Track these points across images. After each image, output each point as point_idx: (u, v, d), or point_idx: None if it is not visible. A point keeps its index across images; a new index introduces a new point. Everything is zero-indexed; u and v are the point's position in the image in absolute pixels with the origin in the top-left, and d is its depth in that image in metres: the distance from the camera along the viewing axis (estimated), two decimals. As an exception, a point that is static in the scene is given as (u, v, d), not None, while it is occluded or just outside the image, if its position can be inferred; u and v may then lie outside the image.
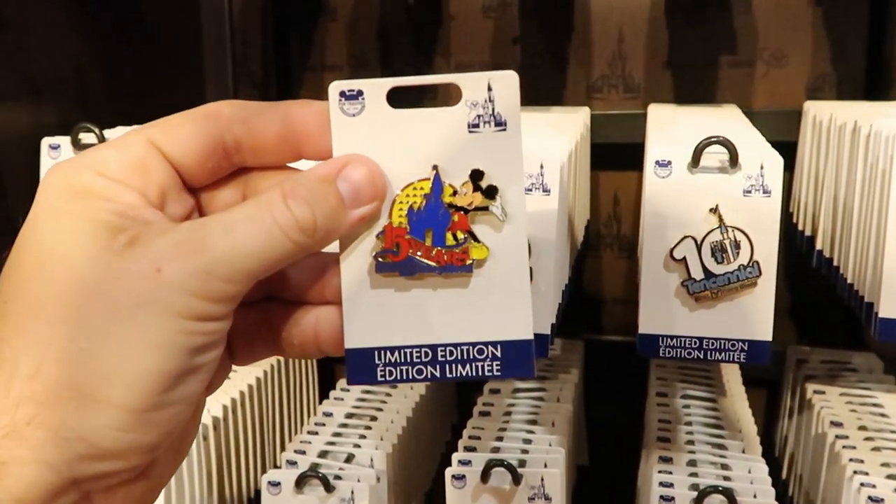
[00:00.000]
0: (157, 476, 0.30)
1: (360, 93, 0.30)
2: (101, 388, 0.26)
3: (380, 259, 0.31)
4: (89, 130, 0.62)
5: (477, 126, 0.30)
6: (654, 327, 0.55)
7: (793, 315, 0.95)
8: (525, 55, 0.96)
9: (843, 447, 0.64)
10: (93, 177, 0.28)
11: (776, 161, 0.53)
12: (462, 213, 0.31)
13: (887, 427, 0.67)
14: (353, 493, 0.64)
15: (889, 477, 0.59)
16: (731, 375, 0.81)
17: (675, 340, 0.55)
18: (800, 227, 0.79)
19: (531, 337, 0.31)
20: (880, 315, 0.53)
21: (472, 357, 0.31)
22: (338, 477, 0.65)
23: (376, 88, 0.30)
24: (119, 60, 0.91)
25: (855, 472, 0.60)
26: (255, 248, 0.27)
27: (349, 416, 0.75)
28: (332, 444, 0.70)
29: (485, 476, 0.61)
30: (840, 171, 0.65)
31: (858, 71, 0.89)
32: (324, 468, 0.65)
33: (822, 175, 0.71)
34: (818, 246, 0.70)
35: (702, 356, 0.55)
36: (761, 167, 0.53)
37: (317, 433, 0.71)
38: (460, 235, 0.31)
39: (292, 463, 0.67)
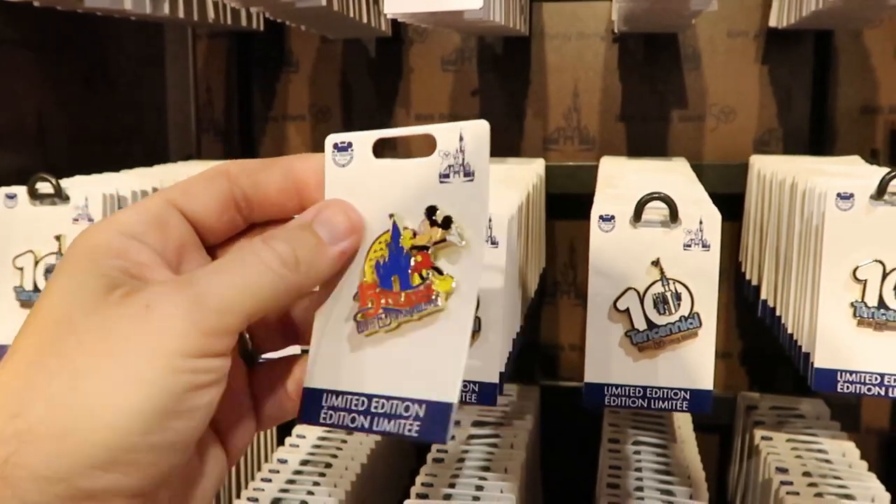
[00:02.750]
0: None
1: (350, 144, 0.32)
2: (84, 427, 0.26)
3: (359, 319, 0.31)
4: (45, 180, 0.63)
5: (447, 176, 0.31)
6: (599, 376, 0.57)
7: (744, 362, 0.97)
8: (483, 107, 0.98)
9: (787, 493, 0.65)
10: (111, 235, 0.29)
11: (714, 217, 0.55)
12: (423, 251, 0.31)
13: (830, 473, 0.69)
14: (305, 541, 0.64)
15: (830, 523, 0.61)
16: (683, 421, 0.83)
17: (619, 389, 0.56)
18: (747, 277, 0.81)
19: (454, 400, 0.30)
20: (816, 365, 0.55)
21: (398, 413, 0.30)
22: (290, 526, 0.65)
23: (364, 140, 0.32)
24: (81, 108, 0.92)
25: (797, 519, 0.61)
26: (243, 280, 0.28)
27: (304, 462, 0.75)
28: (285, 490, 0.70)
29: (436, 524, 0.62)
30: (781, 224, 0.67)
31: (803, 126, 0.92)
32: (276, 517, 0.65)
33: (766, 227, 0.73)
34: (763, 296, 0.73)
35: (646, 405, 0.56)
36: (700, 222, 0.55)
37: (270, 480, 0.72)
38: (425, 273, 0.31)
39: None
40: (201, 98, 1.05)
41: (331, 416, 0.32)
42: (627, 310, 0.56)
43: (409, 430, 0.30)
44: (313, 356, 0.32)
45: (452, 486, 0.68)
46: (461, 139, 0.30)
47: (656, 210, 0.55)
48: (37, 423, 0.26)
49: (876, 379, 0.54)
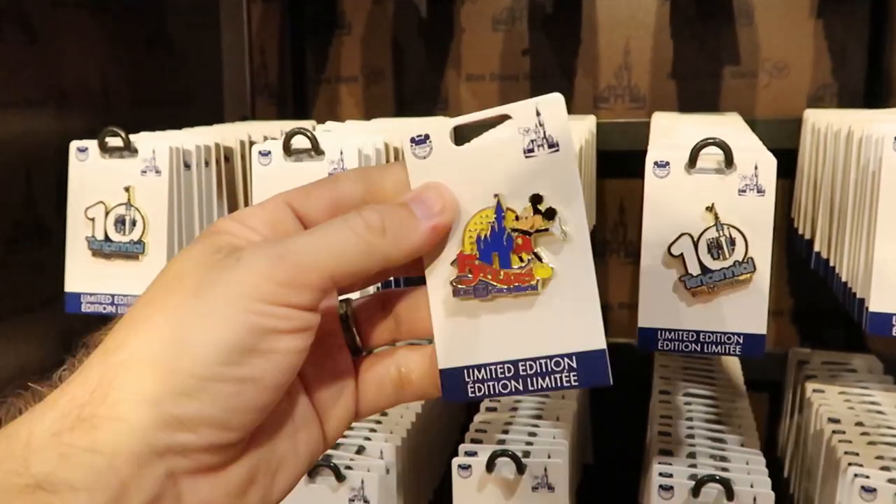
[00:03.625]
0: (245, 484, 0.31)
1: (427, 137, 0.33)
2: (173, 356, 0.29)
3: (455, 285, 0.33)
4: (115, 134, 0.66)
5: (532, 151, 0.32)
6: (652, 321, 0.57)
7: (795, 319, 0.97)
8: (534, 66, 0.99)
9: (840, 441, 0.65)
10: (229, 222, 0.33)
11: (770, 162, 0.55)
12: (525, 236, 0.33)
13: (884, 423, 0.69)
14: (363, 483, 0.67)
15: (883, 468, 0.61)
16: (734, 375, 0.84)
17: (672, 334, 0.57)
18: (800, 232, 0.81)
19: (603, 346, 0.32)
20: (871, 310, 0.55)
21: (550, 370, 0.33)
22: (348, 467, 0.67)
23: (440, 130, 0.33)
24: (142, 70, 0.95)
25: (850, 465, 0.61)
26: (325, 241, 0.31)
27: (361, 411, 0.77)
28: (343, 436, 0.72)
29: (490, 466, 0.63)
30: (836, 175, 0.67)
31: (858, 81, 0.91)
32: (335, 459, 0.68)
33: (820, 180, 0.73)
34: (816, 248, 0.73)
35: (699, 349, 0.57)
36: (755, 168, 0.55)
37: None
38: (525, 257, 0.33)
39: (306, 454, 0.69)
40: (255, 61, 1.07)
41: (479, 388, 0.34)
42: (681, 255, 0.56)
43: (569, 381, 0.33)
44: (440, 335, 0.34)
45: (506, 432, 0.70)
46: (538, 114, 0.31)
47: (711, 156, 0.56)
48: (135, 353, 0.29)
49: (932, 323, 0.54)
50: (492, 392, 0.33)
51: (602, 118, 0.96)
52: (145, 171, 0.66)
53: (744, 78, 0.93)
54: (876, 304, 0.55)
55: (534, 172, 0.32)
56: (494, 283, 0.33)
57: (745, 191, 0.56)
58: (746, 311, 0.56)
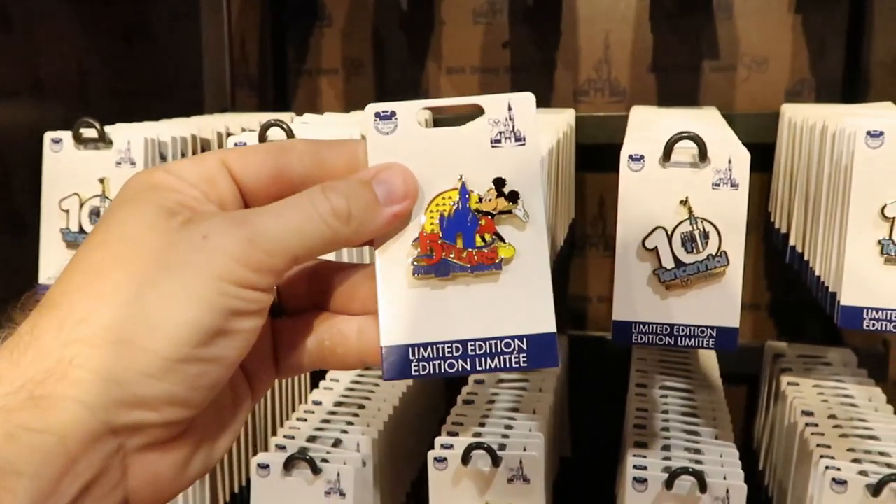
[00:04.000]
0: (190, 453, 0.31)
1: (394, 113, 0.33)
2: (142, 335, 0.28)
3: (416, 263, 0.33)
4: (90, 126, 0.65)
5: (499, 141, 0.33)
6: (627, 314, 0.58)
7: (773, 312, 0.97)
8: (514, 59, 0.99)
9: (812, 434, 0.66)
10: (165, 175, 0.31)
11: (743, 156, 0.55)
12: (488, 217, 0.33)
13: (857, 416, 0.70)
14: (339, 475, 0.67)
15: (854, 461, 0.62)
16: (710, 368, 0.84)
17: (647, 327, 0.57)
18: (777, 226, 0.82)
19: (554, 330, 0.33)
20: (842, 303, 0.55)
21: (499, 350, 0.33)
22: (325, 460, 0.67)
23: (408, 109, 0.33)
24: (120, 60, 0.94)
25: (822, 457, 0.62)
26: (295, 226, 0.30)
27: (338, 404, 0.77)
28: (320, 429, 0.72)
29: (465, 459, 0.63)
30: (811, 169, 0.68)
31: (837, 75, 0.91)
32: (312, 452, 0.68)
33: (796, 174, 0.73)
34: (791, 242, 0.73)
35: (673, 342, 0.57)
36: (729, 161, 0.56)
37: (306, 420, 0.74)
38: (488, 237, 0.33)
39: (281, 447, 0.69)
40: (236, 52, 1.07)
41: (423, 367, 0.33)
42: (656, 248, 0.56)
43: (517, 362, 0.33)
44: (385, 311, 0.33)
45: (482, 425, 0.70)
46: (510, 108, 0.33)
47: (685, 150, 0.56)
48: (101, 329, 0.28)
49: (902, 316, 0.54)
50: (437, 371, 0.33)
51: (582, 111, 0.96)
52: (120, 163, 0.66)
53: (723, 72, 0.94)
54: (847, 298, 0.55)
55: (498, 160, 0.33)
56: (457, 262, 0.33)
57: (718, 185, 0.56)
58: (720, 304, 0.56)
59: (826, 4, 0.90)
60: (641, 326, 0.58)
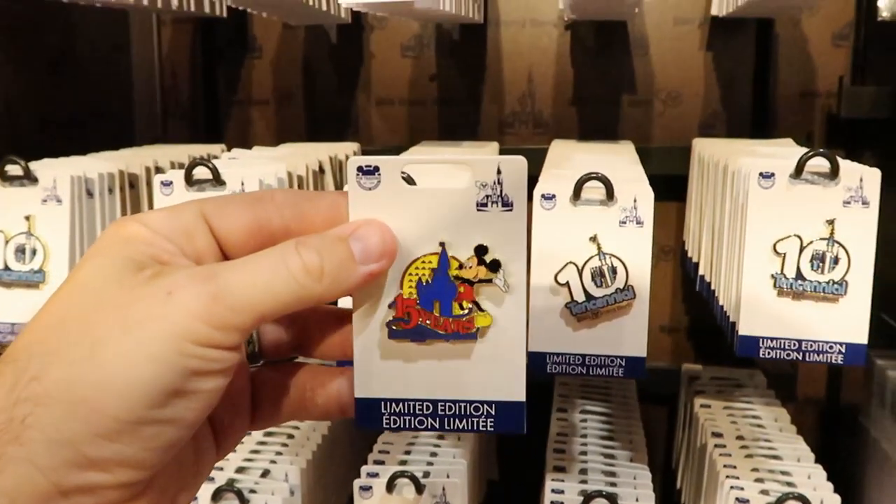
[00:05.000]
0: None
1: (377, 169, 0.32)
2: (95, 395, 0.27)
3: (392, 327, 0.33)
4: (14, 162, 0.66)
5: (485, 205, 0.32)
6: (542, 345, 0.60)
7: (690, 336, 1.02)
8: (442, 92, 1.02)
9: (720, 455, 0.70)
10: (140, 227, 0.30)
11: (648, 195, 0.59)
12: (467, 284, 0.33)
13: (762, 436, 0.74)
14: (267, 505, 0.68)
15: (757, 480, 0.65)
16: (629, 392, 0.87)
17: (560, 357, 0.60)
18: (689, 254, 0.86)
19: (523, 399, 0.33)
20: (740, 333, 0.59)
21: (468, 413, 0.33)
22: (252, 491, 0.68)
23: (392, 165, 0.32)
24: (48, 93, 0.94)
25: (727, 477, 0.66)
26: (262, 282, 0.29)
27: (268, 433, 0.78)
28: (249, 460, 0.73)
29: (390, 487, 0.65)
30: (716, 202, 0.72)
31: (746, 110, 0.96)
32: (240, 483, 0.69)
33: (704, 206, 0.77)
34: (701, 271, 0.77)
35: (585, 371, 0.60)
36: (635, 200, 0.59)
37: (235, 450, 0.75)
38: (466, 305, 0.33)
39: (209, 479, 0.70)
40: (167, 83, 1.07)
41: (394, 420, 0.34)
42: (567, 283, 0.60)
43: (485, 426, 0.34)
44: (360, 366, 0.33)
45: (408, 452, 0.72)
46: (498, 172, 0.32)
47: (595, 189, 0.59)
48: (53, 388, 0.27)
49: (794, 345, 0.58)
50: (407, 426, 0.33)
51: (508, 143, 0.99)
52: (46, 200, 0.67)
53: (640, 106, 0.98)
54: (744, 328, 0.59)
55: (483, 225, 0.32)
56: (433, 329, 0.33)
57: (625, 222, 0.59)
58: (628, 335, 0.59)
59: (734, 43, 0.95)
60: (556, 357, 0.61)
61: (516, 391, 0.33)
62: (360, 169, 0.32)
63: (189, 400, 0.28)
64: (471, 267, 0.33)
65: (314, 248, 0.30)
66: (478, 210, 0.32)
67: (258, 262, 0.30)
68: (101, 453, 0.27)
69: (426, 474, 0.67)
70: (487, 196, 0.32)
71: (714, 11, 0.91)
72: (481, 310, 0.33)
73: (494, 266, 0.32)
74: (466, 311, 0.33)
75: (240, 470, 0.72)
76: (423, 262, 0.33)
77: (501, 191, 0.32)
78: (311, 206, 0.32)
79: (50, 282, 0.66)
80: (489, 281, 0.33)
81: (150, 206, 0.74)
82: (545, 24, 0.99)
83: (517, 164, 0.32)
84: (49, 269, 0.66)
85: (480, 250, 0.32)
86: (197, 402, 0.29)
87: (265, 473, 0.71)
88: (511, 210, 0.32)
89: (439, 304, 0.33)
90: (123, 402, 0.27)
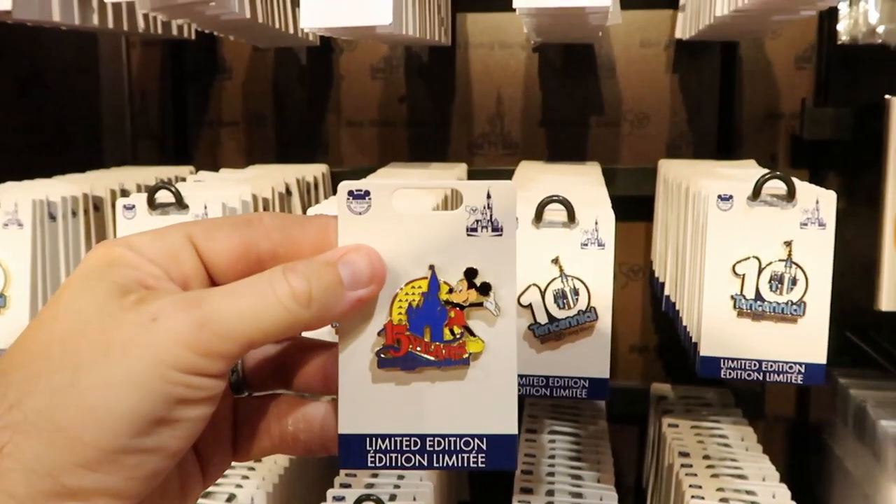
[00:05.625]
0: None
1: (368, 193, 0.32)
2: (76, 424, 0.26)
3: (382, 355, 0.32)
4: (-24, 187, 0.65)
5: (475, 230, 0.32)
6: (505, 367, 0.60)
7: (660, 355, 1.02)
8: (411, 113, 1.02)
9: (686, 474, 0.70)
10: (126, 250, 0.30)
11: (609, 218, 0.59)
12: (458, 309, 0.32)
13: (728, 456, 0.74)
14: (232, 531, 0.67)
15: (722, 500, 0.66)
16: (598, 412, 0.88)
17: (524, 379, 0.61)
18: (657, 274, 0.86)
19: (515, 432, 0.33)
20: (701, 353, 0.60)
21: (458, 448, 0.32)
22: (218, 516, 0.68)
23: (383, 190, 0.32)
24: (15, 115, 0.94)
25: (693, 497, 0.66)
26: (250, 308, 0.28)
27: (234, 458, 0.78)
28: (216, 484, 0.73)
29: (356, 510, 0.65)
30: (679, 223, 0.72)
31: (711, 131, 0.97)
32: (204, 508, 0.68)
33: (669, 227, 0.78)
34: (666, 291, 0.78)
35: (549, 393, 0.61)
36: (596, 223, 0.59)
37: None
38: (457, 330, 0.32)
39: (175, 504, 0.69)
40: (136, 105, 1.07)
41: (380, 458, 0.33)
42: (530, 305, 0.60)
43: (475, 463, 0.33)
44: (345, 399, 0.32)
45: (375, 475, 0.71)
46: (489, 196, 0.32)
47: (557, 212, 0.60)
48: (33, 415, 0.27)
49: (755, 365, 0.59)
50: (393, 464, 0.32)
51: (477, 164, 1.00)
52: (7, 224, 0.66)
53: (608, 127, 0.99)
54: (705, 349, 0.59)
55: (473, 250, 0.32)
56: (424, 356, 0.32)
57: (587, 244, 0.60)
58: (590, 356, 0.60)
59: (699, 66, 0.96)
60: (519, 378, 0.61)
61: (508, 424, 0.32)
62: (350, 193, 0.32)
63: (173, 428, 0.28)
64: (461, 290, 0.32)
65: (302, 274, 0.30)
66: (468, 234, 0.32)
67: (245, 288, 0.29)
68: (81, 483, 0.27)
69: (392, 497, 0.67)
70: (477, 221, 0.32)
71: (678, 35, 0.92)
72: (473, 335, 0.32)
73: (485, 289, 0.32)
74: (458, 336, 0.32)
75: (205, 495, 0.71)
76: (413, 286, 0.32)
77: (491, 215, 0.32)
78: (300, 230, 0.32)
79: (11, 307, 0.65)
80: (480, 305, 0.32)
81: (115, 230, 0.73)
82: (513, 47, 0.99)
83: (507, 189, 0.32)
84: (10, 294, 0.66)
85: (471, 273, 0.32)
86: (181, 431, 0.28)
87: (231, 498, 0.71)
88: (501, 234, 0.32)
89: (430, 329, 0.32)
90: (105, 431, 0.27)
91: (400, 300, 0.32)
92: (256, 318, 0.29)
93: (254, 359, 0.35)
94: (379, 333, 0.32)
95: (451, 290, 0.32)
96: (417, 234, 0.32)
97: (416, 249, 0.32)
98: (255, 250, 0.31)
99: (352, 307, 0.31)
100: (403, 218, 0.32)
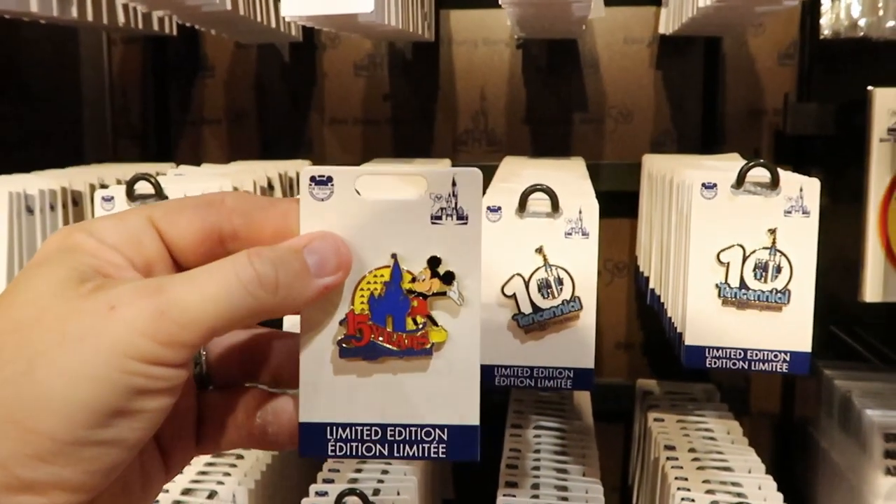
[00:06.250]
0: None
1: (330, 179, 0.31)
2: (31, 415, 0.26)
3: (343, 345, 0.32)
4: (-48, 179, 0.64)
5: (439, 218, 0.31)
6: (489, 358, 0.60)
7: (646, 352, 1.02)
8: (395, 111, 1.02)
9: (672, 467, 0.69)
10: (86, 237, 0.29)
11: (593, 207, 0.59)
12: (421, 298, 0.32)
13: (714, 449, 0.74)
14: (213, 528, 0.66)
15: (708, 492, 0.65)
16: (584, 407, 0.87)
17: (508, 370, 0.60)
18: (641, 269, 0.86)
19: (477, 423, 0.32)
20: (686, 343, 0.59)
21: (419, 438, 0.32)
22: (199, 513, 0.67)
23: (346, 176, 0.31)
24: (-7, 112, 0.93)
25: (679, 489, 0.65)
26: (212, 295, 0.28)
27: (216, 454, 0.77)
28: (196, 482, 0.72)
29: (339, 505, 0.64)
30: (663, 217, 0.72)
31: (695, 127, 0.98)
32: (185, 505, 0.67)
33: (653, 220, 0.78)
34: (651, 285, 0.77)
35: (533, 385, 0.60)
36: (580, 212, 0.59)
37: (182, 472, 0.73)
38: (420, 320, 0.32)
39: (156, 501, 0.69)
40: (117, 102, 1.06)
41: (340, 447, 0.32)
42: (514, 295, 0.59)
43: (437, 453, 0.32)
44: (306, 388, 0.32)
45: (359, 470, 0.71)
46: (454, 184, 0.31)
47: (540, 202, 0.59)
48: None
49: (740, 354, 0.58)
50: (354, 453, 0.32)
51: (461, 161, 0.99)
52: (-16, 217, 0.65)
53: (592, 124, 0.99)
54: (690, 339, 0.59)
55: (437, 238, 0.31)
56: (387, 346, 0.32)
57: (571, 234, 0.59)
58: (575, 347, 0.59)
59: (683, 62, 0.97)
60: (504, 370, 0.60)
61: (470, 414, 0.32)
62: (313, 179, 0.31)
63: (132, 420, 0.27)
64: (424, 280, 0.32)
65: (268, 259, 0.29)
66: (432, 223, 0.31)
67: (207, 274, 0.28)
68: (36, 476, 0.26)
69: (376, 492, 0.66)
70: (442, 209, 0.31)
71: (661, 30, 0.92)
72: (436, 324, 0.32)
73: (448, 278, 0.31)
74: (421, 326, 0.32)
75: (186, 492, 0.70)
76: (376, 275, 0.32)
77: (456, 203, 0.31)
78: (262, 213, 0.31)
79: (-13, 300, 0.64)
80: (443, 294, 0.32)
81: (94, 224, 0.72)
82: (497, 43, 0.99)
83: (472, 177, 0.31)
84: (-13, 288, 0.65)
85: (434, 262, 0.31)
86: (140, 423, 0.27)
87: (212, 495, 0.70)
88: (466, 223, 0.31)
89: (392, 318, 0.32)
90: (61, 422, 0.26)
91: (362, 289, 0.32)
92: (219, 304, 0.28)
93: (218, 351, 0.34)
94: (341, 323, 0.32)
95: (413, 280, 0.32)
96: (380, 221, 0.31)
97: (379, 237, 0.32)
98: (217, 232, 0.31)
99: (317, 295, 0.30)
100: (366, 205, 0.31)
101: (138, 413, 0.27)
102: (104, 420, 0.26)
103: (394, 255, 0.32)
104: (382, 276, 0.32)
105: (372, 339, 0.32)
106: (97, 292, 0.27)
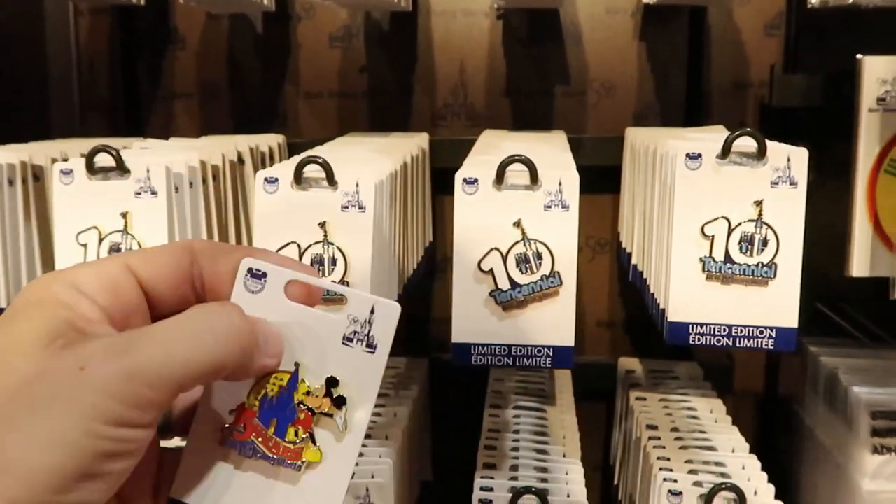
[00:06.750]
0: None
1: (265, 275, 0.32)
2: None
3: (226, 433, 0.32)
4: None
5: (351, 340, 0.32)
6: (466, 336, 0.58)
7: (628, 330, 1.00)
8: (372, 83, 0.99)
9: (654, 447, 0.68)
10: (63, 287, 0.29)
11: (573, 179, 0.57)
12: (309, 413, 0.32)
13: (697, 428, 0.72)
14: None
15: (690, 472, 0.64)
16: (564, 387, 0.85)
17: (486, 348, 0.58)
18: (623, 245, 0.84)
19: None
20: (669, 319, 0.57)
21: None
22: None
23: (279, 276, 0.32)
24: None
25: (661, 469, 0.64)
26: (182, 352, 0.28)
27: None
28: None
29: (311, 489, 0.62)
30: (646, 190, 0.70)
31: (680, 100, 0.95)
32: None
33: (636, 194, 0.76)
34: (634, 261, 0.75)
35: (511, 363, 0.58)
36: (560, 184, 0.57)
37: None
38: (301, 433, 0.32)
39: None
40: (84, 75, 1.03)
41: None
42: (491, 270, 0.57)
43: None
44: (185, 464, 0.32)
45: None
46: (372, 312, 0.32)
47: (519, 173, 0.57)
48: None
49: (724, 330, 0.56)
50: None
51: (440, 135, 0.97)
52: (-63, 191, 0.62)
53: (574, 97, 0.96)
54: (673, 315, 0.57)
55: (342, 360, 0.32)
56: (262, 448, 0.32)
57: (550, 206, 0.57)
58: (555, 324, 0.57)
59: (667, 34, 0.94)
60: (480, 348, 0.58)
61: None
62: (249, 271, 0.32)
63: (97, 482, 0.27)
64: (318, 396, 0.32)
65: (236, 318, 0.30)
66: (342, 343, 0.32)
67: (176, 330, 0.29)
68: None
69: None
70: (355, 332, 0.32)
71: (645, -1, 0.89)
72: (314, 443, 0.32)
73: (339, 402, 0.32)
74: (300, 440, 0.32)
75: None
76: (277, 377, 0.32)
77: (370, 331, 0.32)
78: (226, 257, 0.32)
79: (-59, 279, 0.62)
80: (330, 416, 0.32)
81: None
82: (476, 14, 0.96)
83: (391, 310, 0.32)
84: (-59, 266, 0.62)
85: (331, 382, 0.32)
86: (105, 484, 0.27)
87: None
88: (373, 352, 0.32)
89: (276, 423, 0.32)
90: (24, 489, 0.25)
91: (261, 387, 0.33)
92: (188, 361, 0.28)
93: (181, 401, 0.34)
94: (231, 411, 0.32)
95: (308, 393, 0.32)
96: (297, 327, 0.32)
97: (291, 343, 0.32)
98: (190, 276, 0.32)
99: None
100: (290, 309, 0.32)
101: (104, 476, 0.27)
102: (69, 485, 0.26)
103: (296, 364, 0.32)
104: (282, 380, 0.32)
105: (251, 438, 0.32)
106: (67, 349, 0.27)
